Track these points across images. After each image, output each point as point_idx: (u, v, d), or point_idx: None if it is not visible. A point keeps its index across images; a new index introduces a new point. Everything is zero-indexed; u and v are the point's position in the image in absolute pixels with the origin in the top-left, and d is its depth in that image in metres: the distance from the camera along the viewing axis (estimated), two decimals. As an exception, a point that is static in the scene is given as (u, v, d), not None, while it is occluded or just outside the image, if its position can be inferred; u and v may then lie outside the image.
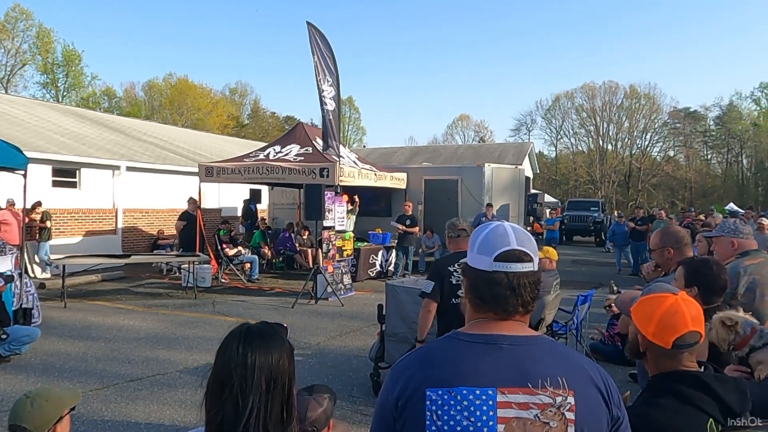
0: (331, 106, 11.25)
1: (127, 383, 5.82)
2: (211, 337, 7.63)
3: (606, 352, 6.85)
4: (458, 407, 1.26)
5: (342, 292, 10.86)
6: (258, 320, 1.61)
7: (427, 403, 1.27)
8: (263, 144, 17.90)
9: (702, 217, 16.43)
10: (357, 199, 13.49)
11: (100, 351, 7.00)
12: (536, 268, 1.39)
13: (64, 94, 48.16)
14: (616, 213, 30.17)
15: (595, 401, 1.33)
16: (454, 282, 3.99)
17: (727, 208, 21.79)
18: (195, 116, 52.06)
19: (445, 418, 1.26)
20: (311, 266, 12.41)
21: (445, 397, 1.27)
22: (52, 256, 11.38)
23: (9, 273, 7.66)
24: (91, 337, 7.62)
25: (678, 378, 1.67)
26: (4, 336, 6.31)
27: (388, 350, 5.64)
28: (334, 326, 8.29)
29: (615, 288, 8.05)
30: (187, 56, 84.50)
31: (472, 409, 1.26)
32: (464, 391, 1.27)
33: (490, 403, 1.26)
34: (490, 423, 1.25)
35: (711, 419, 1.56)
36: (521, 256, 1.37)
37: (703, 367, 1.74)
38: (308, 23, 11.06)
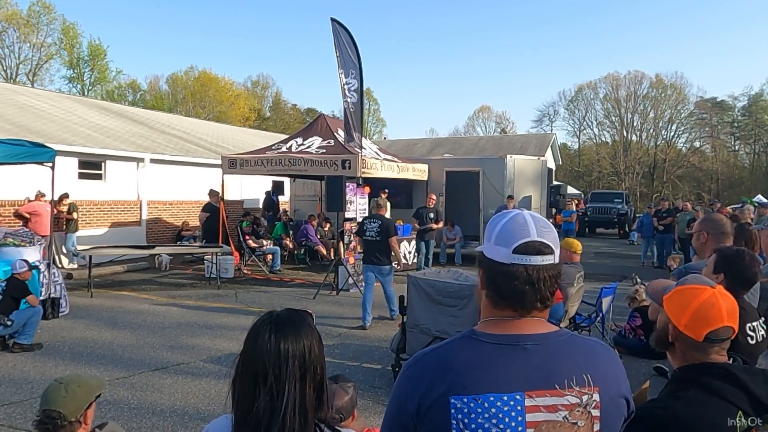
0: (353, 98, 11.29)
1: (153, 372, 5.93)
2: (235, 326, 7.72)
3: (630, 346, 6.77)
4: (486, 414, 1.22)
5: (363, 284, 10.86)
6: (282, 310, 1.59)
7: (452, 411, 1.22)
8: (285, 136, 17.99)
9: (729, 209, 16.04)
10: (383, 196, 13.45)
11: (126, 340, 7.13)
12: (557, 261, 1.32)
13: (90, 88, 48.80)
14: (642, 205, 29.63)
15: (617, 396, 1.32)
16: (364, 228, 8.23)
17: (755, 199, 21.26)
18: (217, 109, 52.45)
19: (473, 426, 1.21)
20: (332, 258, 12.46)
21: (471, 405, 1.22)
22: (79, 247, 11.61)
23: (37, 263, 7.84)
24: (117, 326, 7.77)
25: (705, 370, 1.62)
26: (9, 323, 6.45)
27: (409, 342, 5.65)
28: (356, 317, 8.32)
29: (638, 280, 7.93)
30: (210, 49, 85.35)
31: (500, 416, 1.22)
32: (491, 398, 1.22)
33: (519, 408, 1.23)
34: (519, 429, 1.22)
35: (740, 412, 1.53)
36: (541, 248, 1.29)
37: (731, 359, 1.70)
38: (332, 19, 11.25)
